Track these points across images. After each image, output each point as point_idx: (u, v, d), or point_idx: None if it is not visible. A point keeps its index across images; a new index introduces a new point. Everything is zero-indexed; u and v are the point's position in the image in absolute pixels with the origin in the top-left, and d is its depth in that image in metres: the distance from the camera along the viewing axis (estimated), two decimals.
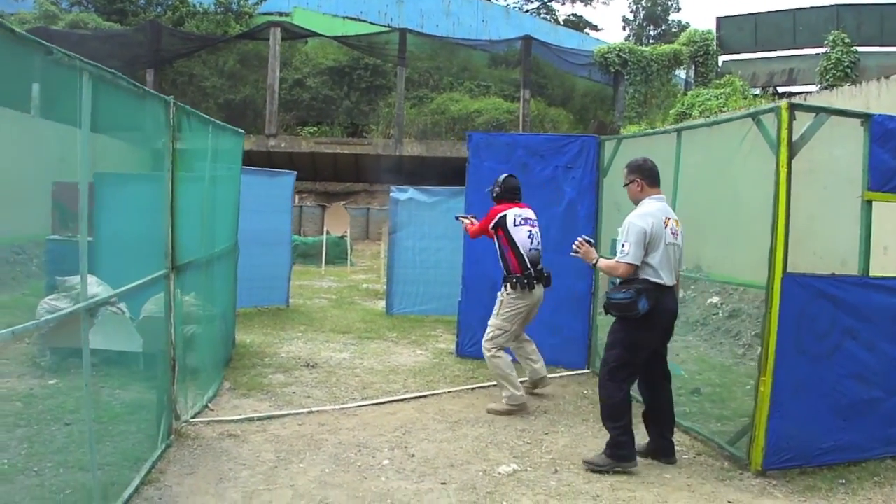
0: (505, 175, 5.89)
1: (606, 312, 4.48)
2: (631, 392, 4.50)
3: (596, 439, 4.78)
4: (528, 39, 21.47)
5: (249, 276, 8.30)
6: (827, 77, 14.80)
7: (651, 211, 4.35)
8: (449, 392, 6.05)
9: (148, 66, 19.92)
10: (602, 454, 4.37)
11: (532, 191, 6.81)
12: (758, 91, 18.55)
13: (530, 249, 5.62)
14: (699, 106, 14.27)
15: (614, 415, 4.38)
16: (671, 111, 15.85)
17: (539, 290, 5.66)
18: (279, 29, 20.31)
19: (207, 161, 5.33)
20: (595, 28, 40.52)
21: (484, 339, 5.70)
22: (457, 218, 6.42)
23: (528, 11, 37.77)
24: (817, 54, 16.40)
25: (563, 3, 44.87)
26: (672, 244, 4.35)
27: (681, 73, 23.27)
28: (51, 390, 5.33)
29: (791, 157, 4.15)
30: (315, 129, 21.91)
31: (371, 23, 25.40)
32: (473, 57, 23.10)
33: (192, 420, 4.87)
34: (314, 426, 5.02)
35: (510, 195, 5.78)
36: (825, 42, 15.42)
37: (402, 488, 4.01)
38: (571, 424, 5.29)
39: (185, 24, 22.06)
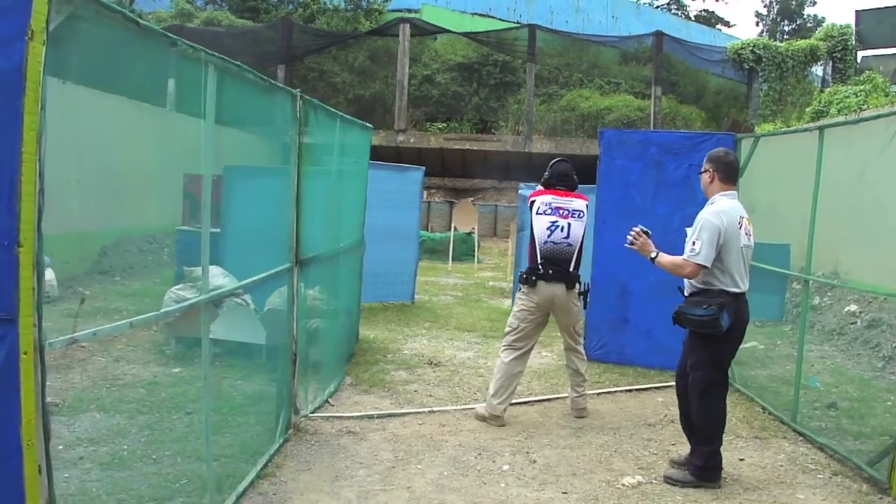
0: (556, 160, 5.50)
1: (679, 325, 4.12)
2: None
3: (726, 452, 4.37)
4: (659, 35, 20.67)
5: (375, 271, 8.31)
6: None
7: (725, 209, 4.07)
8: None
9: (279, 63, 20.62)
10: (685, 471, 4.11)
11: (665, 190, 6.54)
12: None
13: (546, 242, 5.05)
14: (837, 104, 13.22)
15: (707, 437, 4.10)
16: (807, 109, 14.86)
17: (550, 288, 5.03)
18: (408, 25, 20.55)
19: (334, 155, 5.30)
20: (727, 24, 38.80)
21: None
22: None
23: (658, 7, 36.35)
24: None
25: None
26: (746, 246, 4.08)
27: (817, 69, 22.07)
28: (174, 379, 5.50)
29: None
30: (444, 125, 22.07)
31: (500, 19, 25.44)
32: (603, 53, 22.49)
33: (311, 415, 4.86)
34: (435, 426, 4.91)
35: (555, 181, 5.33)
36: None
37: (522, 496, 3.84)
38: None
39: (315, 21, 22.74)
